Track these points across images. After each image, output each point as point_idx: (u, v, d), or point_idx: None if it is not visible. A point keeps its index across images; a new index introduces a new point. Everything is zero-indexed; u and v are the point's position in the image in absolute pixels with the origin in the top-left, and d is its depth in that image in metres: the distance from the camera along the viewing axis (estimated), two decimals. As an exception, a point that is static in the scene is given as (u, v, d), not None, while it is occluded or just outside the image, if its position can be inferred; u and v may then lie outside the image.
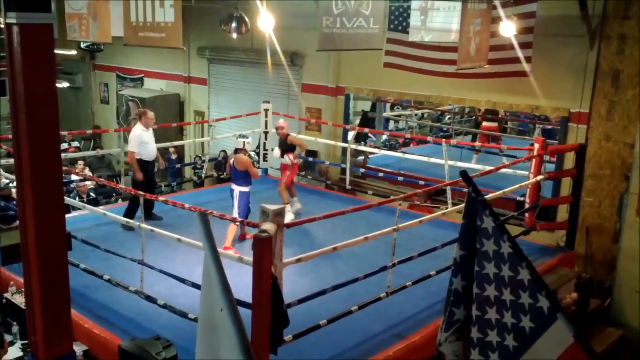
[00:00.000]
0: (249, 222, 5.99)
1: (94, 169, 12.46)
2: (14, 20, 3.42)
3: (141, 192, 6.36)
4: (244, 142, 7.81)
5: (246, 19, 7.40)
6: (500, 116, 12.22)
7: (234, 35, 7.62)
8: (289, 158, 8.76)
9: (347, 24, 6.55)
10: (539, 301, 2.25)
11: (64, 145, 12.50)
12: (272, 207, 4.84)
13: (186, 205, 6.24)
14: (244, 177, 7.67)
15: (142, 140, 8.41)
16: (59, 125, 3.72)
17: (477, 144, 10.56)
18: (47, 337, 3.82)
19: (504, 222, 2.97)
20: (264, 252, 4.43)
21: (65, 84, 15.27)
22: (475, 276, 2.48)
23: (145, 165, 8.46)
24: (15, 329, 5.88)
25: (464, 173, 2.65)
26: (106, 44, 8.97)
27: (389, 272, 5.97)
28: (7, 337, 5.83)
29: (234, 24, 7.33)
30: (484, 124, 12.37)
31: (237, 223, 7.12)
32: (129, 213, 7.97)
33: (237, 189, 7.69)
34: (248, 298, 4.60)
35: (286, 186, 8.71)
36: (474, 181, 2.57)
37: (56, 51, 15.01)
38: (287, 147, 8.77)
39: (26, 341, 5.24)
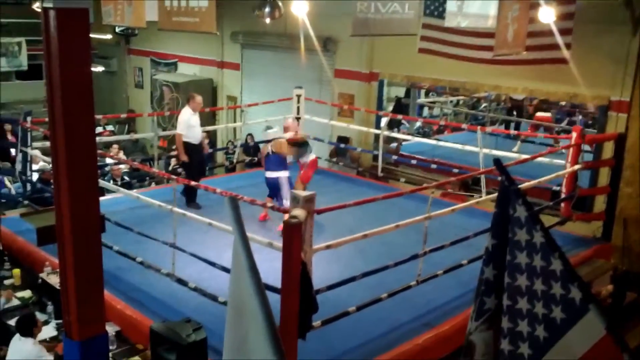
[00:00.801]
0: (279, 208, 6.00)
1: (128, 152, 12.65)
2: (50, 5, 3.46)
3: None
4: (275, 131, 7.96)
5: (279, 3, 7.36)
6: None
7: (267, 21, 7.59)
8: (311, 155, 8.48)
9: (382, 9, 6.47)
10: (570, 292, 2.21)
11: (99, 129, 12.73)
12: (302, 193, 4.83)
13: (217, 190, 6.29)
14: (284, 162, 7.79)
15: (190, 124, 8.63)
16: (94, 109, 3.77)
17: (512, 132, 10.37)
18: (80, 317, 3.90)
19: (537, 211, 2.92)
20: (294, 238, 4.43)
21: (100, 68, 15.49)
22: (506, 265, 2.45)
23: (192, 148, 8.70)
24: (50, 308, 6.03)
25: (497, 161, 2.60)
26: (141, 28, 9.05)
27: (420, 261, 5.93)
28: (42, 317, 6.00)
29: (267, 9, 7.29)
30: (538, 114, 12.19)
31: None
32: (189, 196, 8.36)
33: (281, 175, 7.75)
34: (278, 283, 4.62)
35: (303, 183, 8.38)
36: (507, 169, 2.51)
37: (92, 35, 15.30)
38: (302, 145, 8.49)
39: (60, 321, 5.38)
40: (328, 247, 5.22)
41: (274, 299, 4.66)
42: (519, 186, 2.54)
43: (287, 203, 7.30)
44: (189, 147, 8.69)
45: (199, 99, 8.81)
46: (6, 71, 15.00)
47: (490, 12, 7.87)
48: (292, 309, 4.54)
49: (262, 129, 8.57)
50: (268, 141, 7.99)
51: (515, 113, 13.30)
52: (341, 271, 6.00)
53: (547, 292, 2.27)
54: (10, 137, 10.74)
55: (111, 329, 5.56)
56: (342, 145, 10.91)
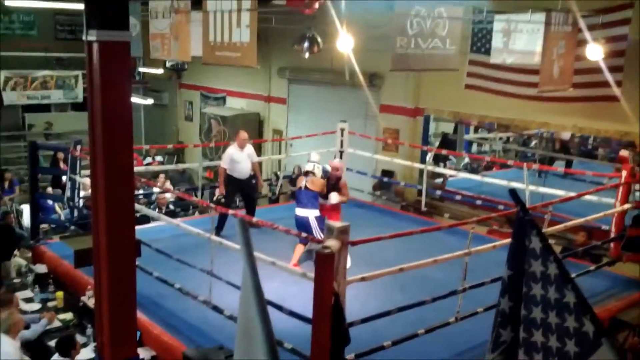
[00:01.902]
0: (313, 238, 5.99)
1: (175, 182, 12.93)
2: (94, 38, 3.64)
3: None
4: (314, 165, 7.81)
5: (318, 39, 7.48)
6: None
7: (306, 55, 7.72)
8: (332, 197, 7.80)
9: (422, 45, 6.51)
10: (584, 325, 2.15)
11: (149, 160, 13.08)
12: (337, 223, 4.84)
13: (254, 220, 6.33)
14: (316, 199, 7.56)
15: (233, 159, 8.86)
16: (132, 138, 3.90)
17: (560, 169, 10.12)
18: (113, 339, 3.97)
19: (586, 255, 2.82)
20: (326, 269, 4.42)
21: (150, 101, 16.02)
22: (522, 297, 2.40)
23: (237, 182, 8.93)
24: (89, 331, 6.16)
25: (512, 191, 2.57)
26: (190, 63, 9.37)
27: (459, 297, 5.80)
28: (82, 339, 6.13)
29: (306, 44, 7.42)
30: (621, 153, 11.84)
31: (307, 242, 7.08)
32: (220, 225, 8.40)
33: (311, 214, 7.40)
34: (309, 313, 4.60)
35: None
36: (522, 199, 2.47)
37: (144, 69, 15.88)
38: (334, 189, 8.04)
39: (98, 343, 5.49)
40: (363, 279, 5.18)
41: (306, 329, 4.66)
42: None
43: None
44: (233, 181, 8.88)
45: (242, 135, 9.01)
46: (63, 103, 15.72)
47: (537, 49, 7.83)
48: (323, 339, 4.51)
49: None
50: (306, 172, 7.84)
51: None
52: (378, 305, 5.93)
53: (561, 325, 2.22)
54: (62, 165, 11.16)
55: (147, 353, 5.64)
56: (386, 179, 10.87)
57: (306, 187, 7.61)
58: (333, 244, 4.66)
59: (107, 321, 3.94)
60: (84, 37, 3.77)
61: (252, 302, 1.92)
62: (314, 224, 7.35)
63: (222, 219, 8.40)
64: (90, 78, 3.76)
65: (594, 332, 2.13)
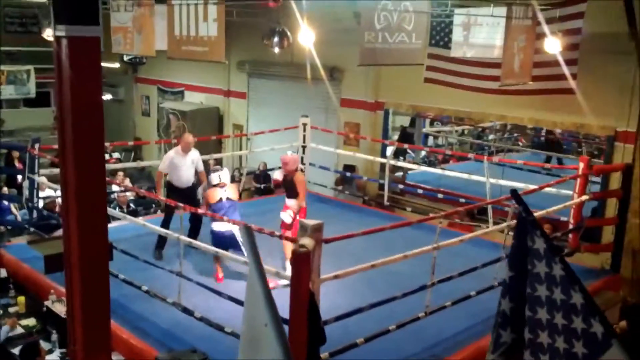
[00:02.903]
0: (287, 237, 5.94)
1: (134, 180, 12.64)
2: (63, 33, 3.48)
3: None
4: (218, 175, 7.15)
5: (288, 33, 7.41)
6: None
7: (276, 50, 7.61)
8: (288, 214, 7.17)
9: (389, 39, 6.51)
10: (592, 326, 2.17)
11: (106, 157, 12.70)
12: (310, 222, 4.80)
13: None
14: (237, 209, 7.02)
15: (173, 163, 7.91)
16: (104, 137, 3.76)
17: (520, 162, 10.32)
18: (86, 346, 3.84)
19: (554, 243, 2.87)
20: (303, 268, 4.38)
21: (108, 96, 15.64)
22: (527, 298, 2.41)
23: (175, 191, 7.91)
24: (54, 337, 5.97)
25: (514, 192, 2.58)
26: (148, 57, 9.10)
27: (428, 292, 5.86)
28: (46, 345, 5.93)
29: (276, 39, 7.32)
30: None
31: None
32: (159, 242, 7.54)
33: (235, 228, 6.60)
34: (285, 313, 4.55)
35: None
36: (524, 200, 2.48)
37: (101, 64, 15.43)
38: (290, 188, 7.43)
39: (65, 350, 5.31)
40: (336, 277, 5.18)
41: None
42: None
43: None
44: (172, 189, 7.98)
45: (187, 137, 8.08)
46: (14, 98, 15.15)
47: (497, 43, 7.94)
48: (300, 340, 4.47)
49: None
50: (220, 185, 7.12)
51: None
52: (349, 302, 5.94)
53: (568, 326, 2.23)
54: (17, 164, 10.76)
55: (117, 358, 5.48)
56: (349, 174, 10.89)
57: (228, 198, 6.98)
58: (308, 242, 4.62)
59: (80, 329, 3.81)
60: (46, 34, 3.61)
61: (262, 312, 1.87)
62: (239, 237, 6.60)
63: (196, 223, 7.64)
64: (59, 75, 3.60)
65: (603, 333, 2.15)
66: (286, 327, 4.51)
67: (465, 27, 8.35)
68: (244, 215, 8.23)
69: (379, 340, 5.37)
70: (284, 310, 4.53)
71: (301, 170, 7.87)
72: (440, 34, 9.39)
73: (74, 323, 3.85)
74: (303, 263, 4.41)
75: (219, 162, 12.87)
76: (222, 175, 7.14)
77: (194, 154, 8.09)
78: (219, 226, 6.69)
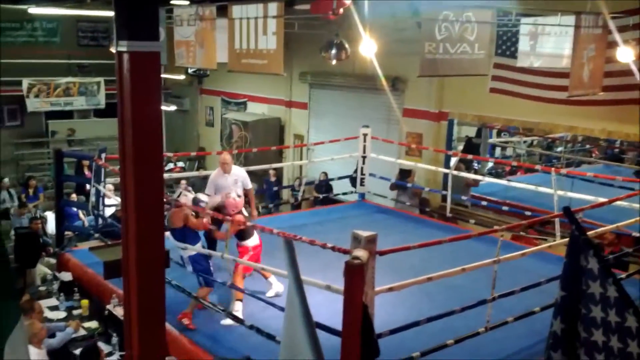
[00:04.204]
0: (340, 249, 5.91)
1: (197, 189, 12.91)
2: (124, 49, 3.61)
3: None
4: (181, 192, 6.84)
5: (346, 45, 7.39)
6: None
7: (334, 62, 7.62)
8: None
9: (451, 50, 6.41)
10: None
11: (170, 166, 13.11)
12: (364, 233, 4.75)
13: (274, 231, 6.24)
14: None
15: (217, 185, 7.61)
16: (162, 147, 3.87)
17: (589, 174, 9.91)
18: (142, 351, 3.94)
19: (610, 264, 2.71)
20: (355, 280, 4.34)
21: (173, 107, 16.08)
22: (582, 319, 2.29)
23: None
24: (114, 340, 6.14)
25: (566, 209, 2.46)
26: (212, 69, 9.31)
27: (489, 306, 5.68)
28: (107, 348, 6.12)
29: (333, 51, 7.31)
30: None
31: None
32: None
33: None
34: (338, 325, 4.52)
35: (242, 273, 6.42)
36: (577, 218, 2.37)
37: (166, 76, 15.97)
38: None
39: (124, 353, 5.46)
40: (390, 289, 5.09)
41: (335, 342, 4.57)
42: (594, 231, 2.39)
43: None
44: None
45: (222, 158, 7.77)
46: (85, 109, 15.83)
47: (565, 52, 7.70)
48: (353, 352, 4.42)
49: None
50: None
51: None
52: (405, 315, 5.83)
53: (624, 350, 2.12)
54: (87, 172, 11.21)
55: (173, 362, 5.60)
56: (409, 185, 10.72)
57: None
58: (361, 254, 4.57)
59: (136, 333, 3.91)
60: (113, 49, 3.75)
61: (300, 327, 1.86)
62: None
63: (211, 245, 7.24)
64: (121, 88, 3.74)
65: (658, 358, 2.03)
66: (339, 339, 4.48)
67: (533, 37, 8.16)
68: (301, 225, 8.28)
69: (436, 355, 5.23)
70: (337, 322, 4.52)
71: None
72: (506, 44, 9.23)
73: (131, 327, 3.96)
74: (356, 275, 4.36)
75: (278, 172, 13.05)
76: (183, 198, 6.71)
77: (237, 173, 7.82)
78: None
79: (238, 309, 6.15)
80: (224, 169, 7.67)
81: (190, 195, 6.75)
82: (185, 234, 6.31)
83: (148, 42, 3.63)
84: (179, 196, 6.74)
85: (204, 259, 6.30)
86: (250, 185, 7.99)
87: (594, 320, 2.25)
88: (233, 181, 7.63)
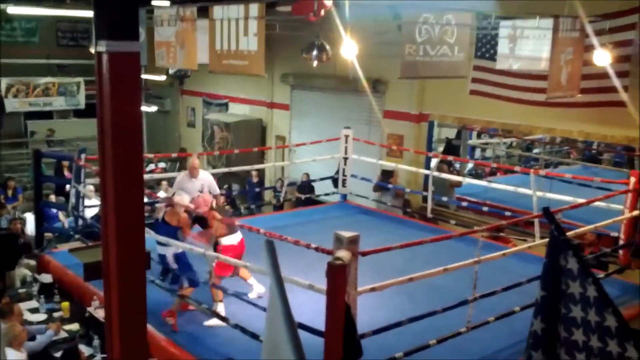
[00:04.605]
0: (323, 249, 5.92)
1: (179, 190, 12.84)
2: (103, 49, 3.58)
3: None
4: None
5: (327, 47, 7.42)
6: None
7: (315, 64, 7.64)
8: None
9: (431, 52, 6.45)
10: (627, 350, 2.09)
11: (151, 167, 13.02)
12: (346, 234, 4.77)
13: (261, 231, 6.24)
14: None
15: (183, 188, 7.40)
16: (142, 148, 3.83)
17: (567, 175, 10.04)
18: (123, 354, 3.90)
19: (589, 264, 2.75)
20: (337, 280, 4.35)
21: (154, 108, 16.00)
22: (562, 319, 2.33)
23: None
24: (96, 342, 6.10)
25: (546, 210, 2.50)
26: (193, 70, 9.29)
27: (470, 306, 5.73)
28: (88, 350, 6.07)
29: (314, 52, 7.33)
30: None
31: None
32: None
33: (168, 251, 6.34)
34: (321, 325, 4.53)
35: (217, 276, 6.41)
36: (556, 219, 2.40)
37: (147, 76, 15.88)
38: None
39: (105, 355, 5.42)
40: (373, 289, 5.12)
41: (318, 342, 4.58)
42: (574, 231, 2.43)
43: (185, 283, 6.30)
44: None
45: (192, 162, 7.63)
46: (65, 109, 15.70)
47: (543, 55, 7.79)
48: (335, 352, 4.43)
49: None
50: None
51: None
52: (388, 315, 5.86)
53: (604, 349, 2.15)
54: (67, 173, 11.11)
55: (154, 366, 5.57)
56: (390, 186, 10.77)
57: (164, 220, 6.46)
58: (344, 254, 4.59)
59: (117, 336, 3.87)
60: (92, 49, 3.71)
61: (281, 329, 1.86)
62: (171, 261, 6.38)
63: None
64: (100, 89, 3.69)
65: (638, 359, 2.06)
66: (321, 339, 4.49)
67: (511, 40, 8.24)
68: (284, 226, 8.27)
69: (419, 355, 5.27)
70: (320, 322, 4.52)
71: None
72: (486, 46, 9.31)
73: (112, 330, 3.92)
74: (339, 275, 4.38)
75: (260, 172, 13.02)
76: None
77: (204, 178, 7.68)
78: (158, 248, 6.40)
79: (220, 309, 6.16)
80: (192, 173, 7.56)
81: (186, 195, 6.74)
82: (173, 232, 6.30)
83: (128, 42, 3.59)
84: (172, 195, 6.75)
85: (188, 258, 6.34)
86: (218, 190, 7.92)
87: (574, 319, 2.29)
88: (200, 185, 7.54)
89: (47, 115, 15.88)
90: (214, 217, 6.43)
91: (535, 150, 14.80)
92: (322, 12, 6.02)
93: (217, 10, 6.17)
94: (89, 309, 6.54)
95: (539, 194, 8.50)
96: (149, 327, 4.90)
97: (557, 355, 2.38)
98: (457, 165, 12.78)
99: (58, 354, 5.83)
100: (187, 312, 6.42)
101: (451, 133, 13.34)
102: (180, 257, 6.35)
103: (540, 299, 2.48)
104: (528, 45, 8.05)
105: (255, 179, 12.86)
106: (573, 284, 2.27)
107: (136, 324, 3.98)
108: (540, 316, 2.46)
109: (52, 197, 11.08)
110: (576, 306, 2.27)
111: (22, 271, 8.47)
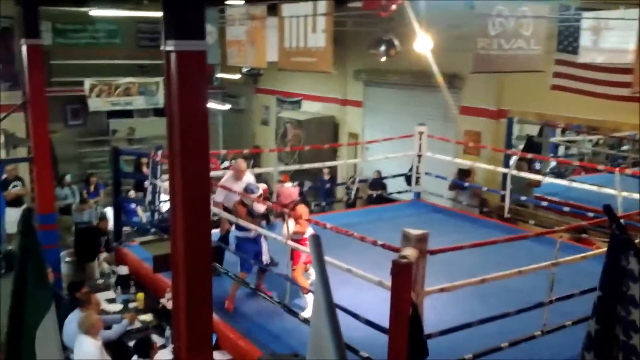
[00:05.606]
0: (390, 247, 5.83)
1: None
2: (172, 48, 3.69)
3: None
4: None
5: (395, 42, 7.27)
6: None
7: (383, 59, 7.51)
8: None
9: (505, 45, 6.23)
10: None
11: (226, 164, 13.27)
12: (415, 231, 4.68)
13: (327, 225, 6.22)
14: None
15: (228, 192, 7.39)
16: (209, 144, 3.92)
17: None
18: (189, 344, 4.01)
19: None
20: (403, 279, 4.28)
21: (227, 106, 16.28)
22: (620, 321, 2.18)
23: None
24: (168, 333, 6.28)
25: (607, 207, 2.34)
26: (266, 68, 9.42)
27: (546, 310, 5.50)
28: (160, 340, 6.27)
29: (382, 48, 7.20)
30: None
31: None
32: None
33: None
34: (387, 323, 4.47)
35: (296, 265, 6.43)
36: (618, 217, 2.25)
37: (221, 75, 16.16)
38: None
39: (175, 345, 5.59)
40: (442, 290, 5.01)
41: (383, 340, 4.53)
42: None
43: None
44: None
45: (238, 165, 7.76)
46: (144, 108, 16.26)
47: (630, 47, 7.36)
48: (400, 351, 4.37)
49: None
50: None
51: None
52: (457, 316, 5.73)
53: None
54: (145, 169, 11.51)
55: (224, 357, 5.69)
56: (467, 185, 10.51)
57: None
58: (410, 252, 4.51)
59: (184, 326, 3.99)
60: (161, 47, 3.83)
61: (324, 323, 1.83)
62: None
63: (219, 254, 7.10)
64: (169, 87, 3.81)
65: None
66: (386, 337, 4.43)
67: (595, 32, 7.86)
68: (355, 223, 8.21)
69: (489, 357, 5.14)
70: (384, 318, 4.46)
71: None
72: (568, 39, 8.91)
73: (179, 321, 4.04)
74: (404, 274, 4.31)
75: (332, 170, 13.03)
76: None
77: (249, 179, 7.73)
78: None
79: (308, 301, 6.19)
80: (238, 175, 7.65)
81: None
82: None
83: (194, 42, 3.70)
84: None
85: (248, 244, 6.61)
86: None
87: (634, 323, 2.14)
88: (242, 188, 7.42)
89: (128, 114, 16.43)
90: (301, 214, 6.51)
91: (623, 148, 14.01)
92: (393, 7, 5.95)
93: (286, 8, 6.21)
94: (161, 300, 6.75)
95: (624, 194, 8.04)
96: (218, 318, 5.01)
97: (614, 358, 2.23)
98: (538, 164, 12.31)
99: (131, 343, 6.06)
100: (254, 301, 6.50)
101: (533, 130, 12.86)
102: (241, 242, 6.62)
103: (596, 300, 2.33)
104: (612, 37, 7.65)
105: (327, 176, 12.87)
106: (634, 286, 2.13)
107: (202, 316, 4.08)
108: (596, 317, 2.32)
109: (132, 193, 11.52)
110: (636, 309, 2.13)
111: (102, 264, 8.88)
